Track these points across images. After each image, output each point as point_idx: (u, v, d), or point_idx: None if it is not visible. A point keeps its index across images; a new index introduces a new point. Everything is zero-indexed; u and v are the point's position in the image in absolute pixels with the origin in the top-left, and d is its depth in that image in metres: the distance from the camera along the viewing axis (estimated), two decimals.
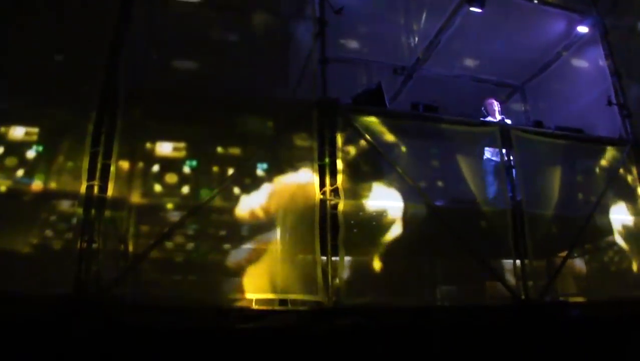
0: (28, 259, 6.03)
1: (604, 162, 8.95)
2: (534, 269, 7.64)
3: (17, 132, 6.54)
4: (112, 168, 6.36)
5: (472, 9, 8.89)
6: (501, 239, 7.50)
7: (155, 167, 6.78)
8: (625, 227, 8.82)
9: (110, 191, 6.26)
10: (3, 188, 6.31)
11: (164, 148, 6.95)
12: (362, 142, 7.14)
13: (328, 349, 6.27)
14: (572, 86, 10.60)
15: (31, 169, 6.40)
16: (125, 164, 6.58)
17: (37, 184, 6.35)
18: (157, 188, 6.72)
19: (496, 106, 9.28)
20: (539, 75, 11.34)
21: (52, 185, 6.42)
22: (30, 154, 6.49)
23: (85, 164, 6.29)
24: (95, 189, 6.21)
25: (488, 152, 8.47)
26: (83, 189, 6.21)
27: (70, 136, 6.50)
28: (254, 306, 6.35)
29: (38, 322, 5.50)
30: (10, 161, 6.37)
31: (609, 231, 8.67)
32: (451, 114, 8.62)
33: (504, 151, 8.00)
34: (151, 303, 6.14)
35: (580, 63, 10.75)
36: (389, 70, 10.78)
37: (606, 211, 8.65)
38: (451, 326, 6.78)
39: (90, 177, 6.25)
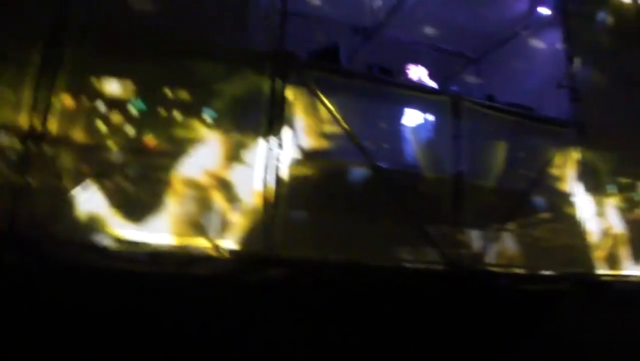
0: None
1: (548, 142, 9.17)
2: (469, 238, 7.86)
3: None
4: (56, 102, 6.21)
5: None
6: (440, 206, 7.67)
7: (101, 105, 6.64)
8: (559, 207, 9.14)
9: (51, 126, 6.13)
10: None
11: (111, 86, 6.80)
12: (313, 98, 7.13)
13: (259, 299, 6.35)
14: (527, 65, 10.74)
15: None
16: (69, 100, 6.43)
17: None
18: (101, 126, 6.60)
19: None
20: (496, 50, 11.47)
21: None
22: None
23: (28, 96, 6.14)
24: (36, 123, 6.07)
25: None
26: (23, 122, 6.05)
27: (13, 65, 6.31)
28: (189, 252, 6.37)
29: None
30: None
31: (544, 208, 8.96)
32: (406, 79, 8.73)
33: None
34: (86, 241, 6.11)
35: (538, 43, 10.86)
36: (349, 29, 10.77)
37: (544, 190, 8.92)
38: (383, 286, 6.94)
39: (32, 110, 6.09)
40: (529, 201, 8.80)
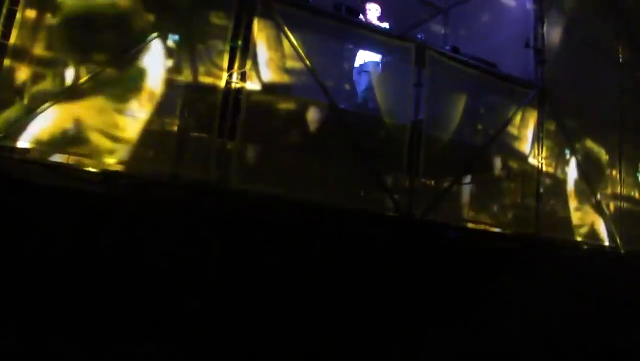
0: None
1: (509, 100, 9.26)
2: (422, 188, 7.96)
3: None
4: (18, 15, 5.99)
5: None
6: (396, 154, 7.71)
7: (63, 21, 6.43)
8: (514, 165, 9.31)
9: (12, 39, 5.92)
10: None
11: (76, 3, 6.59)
12: (278, 32, 7.03)
13: (210, 230, 6.37)
14: (495, 21, 10.79)
15: None
16: (32, 13, 6.22)
17: None
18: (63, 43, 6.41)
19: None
20: (465, 2, 11.40)
21: None
22: None
23: None
24: None
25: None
26: None
27: None
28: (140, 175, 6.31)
29: None
30: None
31: (499, 166, 9.12)
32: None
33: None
34: (44, 160, 6.02)
35: (508, 1, 10.88)
36: None
37: (501, 147, 9.06)
38: (334, 229, 7.01)
39: None
40: (485, 157, 8.91)
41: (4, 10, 5.90)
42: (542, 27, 9.78)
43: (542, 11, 9.84)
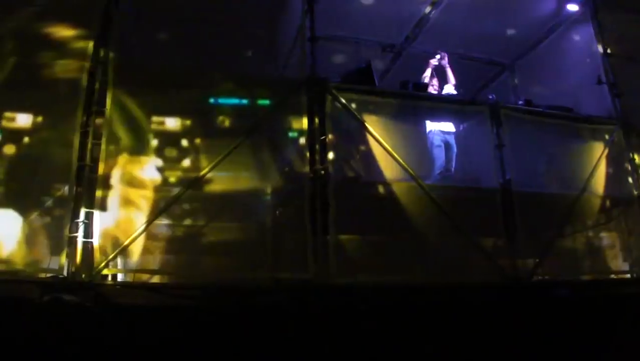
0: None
1: (593, 141, 8.96)
2: (523, 248, 7.68)
3: None
4: (103, 147, 6.29)
5: None
6: (491, 218, 7.52)
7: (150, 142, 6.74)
8: (613, 207, 8.89)
9: (101, 170, 6.20)
10: None
11: (155, 125, 6.89)
12: (352, 121, 7.10)
13: (318, 329, 6.29)
14: (562, 64, 10.53)
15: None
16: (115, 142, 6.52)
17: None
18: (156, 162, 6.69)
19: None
20: (529, 53, 11.25)
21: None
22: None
23: (76, 143, 6.23)
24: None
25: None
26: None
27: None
28: (244, 285, 6.35)
29: None
30: None
31: (598, 210, 8.73)
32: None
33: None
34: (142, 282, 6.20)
35: (571, 41, 10.65)
36: (378, 48, 10.75)
37: (595, 191, 8.70)
38: (441, 305, 6.81)
39: (82, 156, 6.20)
40: (581, 203, 8.57)
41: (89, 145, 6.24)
42: (611, 60, 9.47)
43: (605, 44, 9.57)
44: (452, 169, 8.38)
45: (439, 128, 8.51)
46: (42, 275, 5.91)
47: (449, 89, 9.26)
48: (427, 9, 9.78)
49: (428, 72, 9.21)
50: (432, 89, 9.10)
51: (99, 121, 6.34)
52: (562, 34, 10.62)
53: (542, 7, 10.17)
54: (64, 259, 5.84)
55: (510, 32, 10.58)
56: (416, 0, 9.69)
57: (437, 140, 8.40)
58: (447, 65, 9.40)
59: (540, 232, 8.14)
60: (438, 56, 9.33)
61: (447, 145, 8.40)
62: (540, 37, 10.81)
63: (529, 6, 10.06)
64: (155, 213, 6.35)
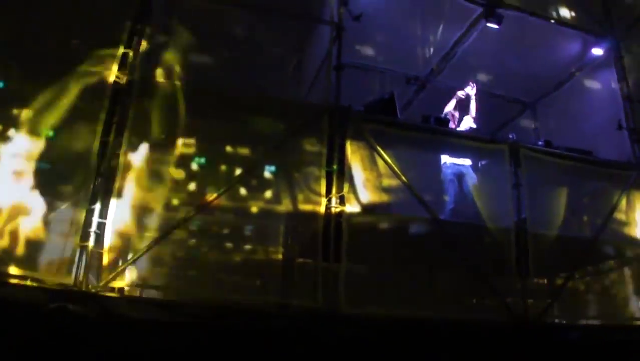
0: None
1: (611, 185, 8.91)
2: (534, 289, 7.64)
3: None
4: (121, 160, 6.36)
5: (489, 24, 8.90)
6: (503, 257, 7.46)
7: (164, 162, 6.78)
8: (628, 252, 8.83)
9: (117, 184, 6.26)
10: None
11: (174, 143, 6.95)
12: (372, 151, 7.12)
13: (323, 358, 6.27)
14: (584, 107, 10.55)
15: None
16: (133, 158, 6.58)
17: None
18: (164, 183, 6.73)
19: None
20: (551, 93, 11.31)
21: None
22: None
23: (94, 158, 6.31)
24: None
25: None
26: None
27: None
28: (252, 307, 6.35)
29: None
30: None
31: (612, 255, 8.67)
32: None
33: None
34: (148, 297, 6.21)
35: (593, 85, 10.71)
36: (402, 79, 10.81)
37: (610, 235, 8.63)
38: (449, 341, 6.76)
39: (99, 165, 6.28)
40: (596, 248, 8.51)
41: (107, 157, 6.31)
42: (632, 106, 9.45)
43: (627, 90, 9.57)
44: (463, 204, 8.35)
45: (452, 161, 8.53)
46: (51, 282, 5.92)
47: (468, 120, 9.28)
48: (454, 45, 9.85)
49: (453, 103, 9.24)
50: (453, 120, 9.15)
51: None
52: (585, 77, 10.66)
53: (567, 49, 10.23)
54: (73, 268, 5.88)
55: (534, 72, 10.58)
56: (443, 36, 9.75)
57: (449, 174, 8.40)
58: (474, 97, 9.42)
59: (553, 273, 8.11)
60: (469, 88, 9.33)
61: (460, 178, 8.37)
62: (564, 79, 10.87)
63: (554, 47, 10.12)
64: (167, 229, 6.38)
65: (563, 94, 11.01)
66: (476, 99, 9.40)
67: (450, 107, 9.23)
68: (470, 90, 9.34)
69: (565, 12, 9.91)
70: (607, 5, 10.07)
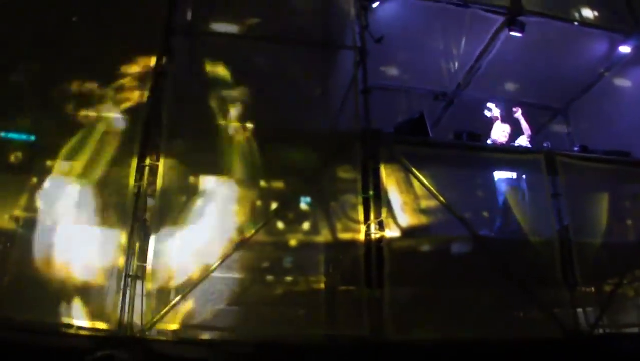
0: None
1: None
2: (583, 299, 7.45)
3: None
4: (157, 202, 6.41)
5: (512, 33, 8.80)
6: (549, 268, 7.32)
7: (199, 200, 6.81)
8: None
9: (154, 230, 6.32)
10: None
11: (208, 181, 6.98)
12: (406, 172, 7.06)
13: None
14: (616, 107, 10.35)
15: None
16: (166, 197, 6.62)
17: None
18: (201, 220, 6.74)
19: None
20: (582, 97, 11.10)
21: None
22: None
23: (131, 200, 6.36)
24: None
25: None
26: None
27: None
28: (297, 342, 6.30)
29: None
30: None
31: None
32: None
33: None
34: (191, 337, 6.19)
35: (624, 83, 10.52)
36: (430, 96, 10.77)
37: None
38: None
39: (137, 208, 6.36)
40: None
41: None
42: None
43: None
44: (507, 218, 8.22)
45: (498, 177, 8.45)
46: (95, 328, 5.95)
47: (523, 140, 9.23)
48: (478, 57, 9.75)
49: (494, 129, 9.23)
50: (503, 135, 9.13)
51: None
52: (615, 77, 10.47)
53: (594, 49, 10.05)
54: (117, 312, 5.91)
55: (562, 76, 10.42)
56: (466, 49, 9.68)
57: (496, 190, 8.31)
58: (521, 117, 9.33)
59: (601, 282, 7.90)
60: (490, 111, 9.26)
61: (504, 193, 8.26)
62: (593, 80, 10.66)
63: (580, 49, 9.95)
64: (210, 268, 6.37)
65: (594, 96, 10.79)
66: (525, 118, 9.32)
67: (495, 134, 9.21)
68: (494, 112, 9.25)
69: (588, 13, 9.73)
70: (630, 1, 9.90)
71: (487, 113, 9.30)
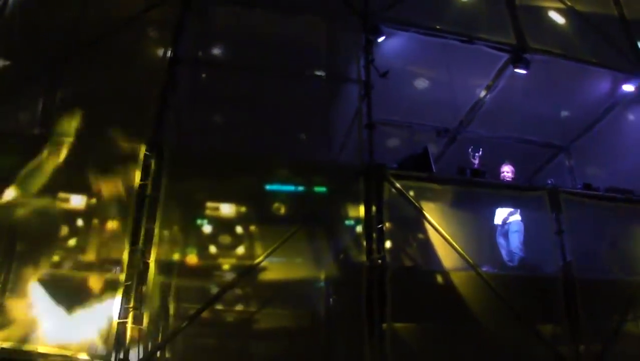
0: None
1: None
2: (586, 336, 7.41)
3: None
4: (156, 231, 6.39)
5: (516, 70, 8.88)
6: (552, 305, 7.31)
7: (205, 229, 6.83)
8: None
9: (153, 256, 6.25)
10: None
11: (209, 211, 7.00)
12: (409, 208, 7.07)
13: None
14: (620, 145, 10.39)
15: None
16: (169, 227, 6.62)
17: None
18: (209, 249, 6.76)
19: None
20: (585, 134, 11.09)
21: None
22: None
23: (129, 228, 6.35)
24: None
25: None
26: (126, 255, 6.22)
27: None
28: None
29: None
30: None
31: None
32: (496, 175, 8.58)
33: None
34: None
35: (627, 121, 10.57)
36: (433, 132, 10.85)
37: None
38: None
39: (134, 242, 6.27)
40: None
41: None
42: None
43: None
44: (511, 255, 8.24)
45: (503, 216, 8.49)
46: None
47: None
48: (482, 94, 9.85)
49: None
50: (508, 175, 9.18)
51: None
52: (618, 115, 10.51)
53: (597, 88, 10.12)
54: (112, 346, 5.85)
55: (565, 114, 10.50)
56: (470, 85, 9.76)
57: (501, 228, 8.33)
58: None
59: (603, 319, 7.86)
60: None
61: (509, 231, 8.29)
62: (596, 119, 10.68)
63: (583, 88, 10.03)
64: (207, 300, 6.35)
65: (597, 134, 10.80)
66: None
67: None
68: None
69: (592, 51, 9.82)
70: (633, 40, 10.00)
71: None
